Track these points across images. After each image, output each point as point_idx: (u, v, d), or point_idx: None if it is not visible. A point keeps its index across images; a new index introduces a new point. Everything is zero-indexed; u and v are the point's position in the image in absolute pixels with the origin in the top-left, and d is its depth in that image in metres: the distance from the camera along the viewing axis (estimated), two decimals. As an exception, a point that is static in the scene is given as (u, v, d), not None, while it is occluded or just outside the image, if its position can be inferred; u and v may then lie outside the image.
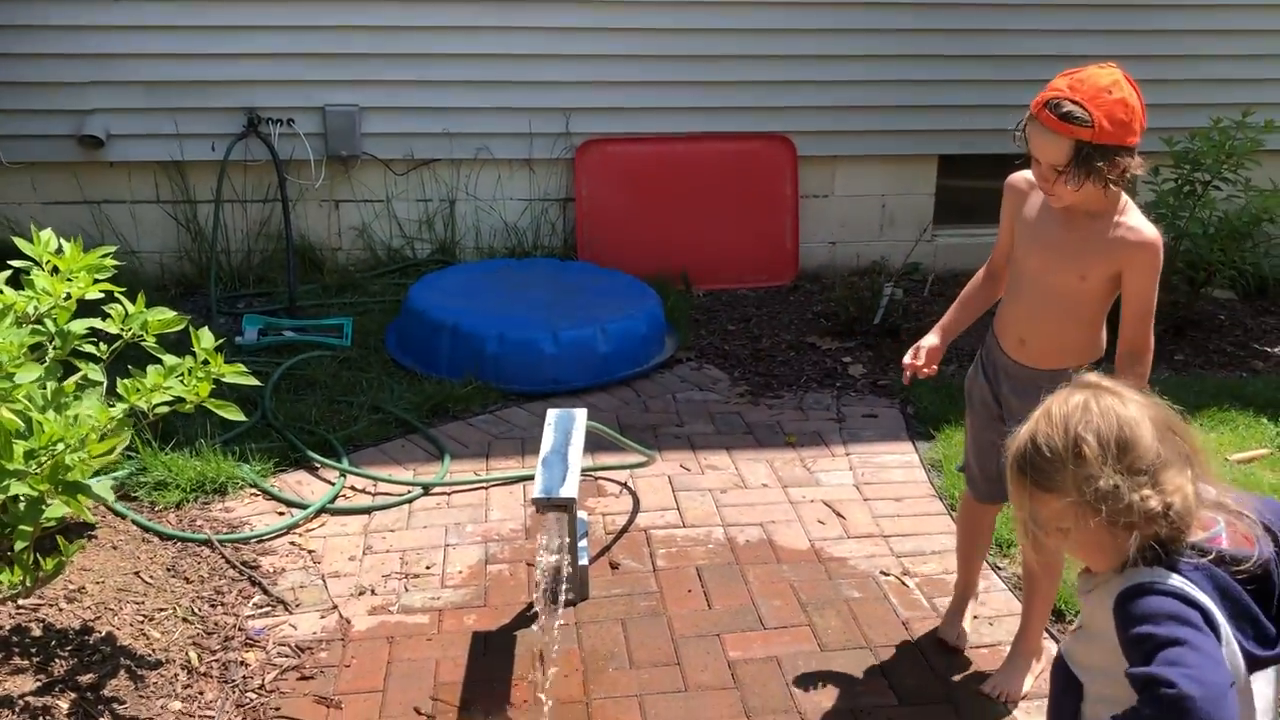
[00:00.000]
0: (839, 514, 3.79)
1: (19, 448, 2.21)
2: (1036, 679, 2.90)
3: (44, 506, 2.23)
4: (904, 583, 3.40)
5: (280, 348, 4.88)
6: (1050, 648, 2.97)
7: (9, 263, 2.72)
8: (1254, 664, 1.54)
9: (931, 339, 2.95)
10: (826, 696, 2.89)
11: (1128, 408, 1.57)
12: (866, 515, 3.79)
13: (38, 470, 2.17)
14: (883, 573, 3.45)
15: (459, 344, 4.71)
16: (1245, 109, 5.22)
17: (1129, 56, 5.87)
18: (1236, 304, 5.82)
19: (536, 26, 5.55)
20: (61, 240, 2.76)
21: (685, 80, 5.75)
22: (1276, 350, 5.33)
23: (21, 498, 2.24)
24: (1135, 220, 2.56)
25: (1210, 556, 1.53)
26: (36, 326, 2.46)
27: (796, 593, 3.34)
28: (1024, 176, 2.72)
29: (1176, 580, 1.52)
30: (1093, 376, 1.65)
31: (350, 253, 5.81)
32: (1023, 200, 2.75)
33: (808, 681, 2.94)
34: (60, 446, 2.21)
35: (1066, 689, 1.69)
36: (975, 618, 3.18)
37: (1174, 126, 5.39)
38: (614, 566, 3.50)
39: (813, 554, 3.55)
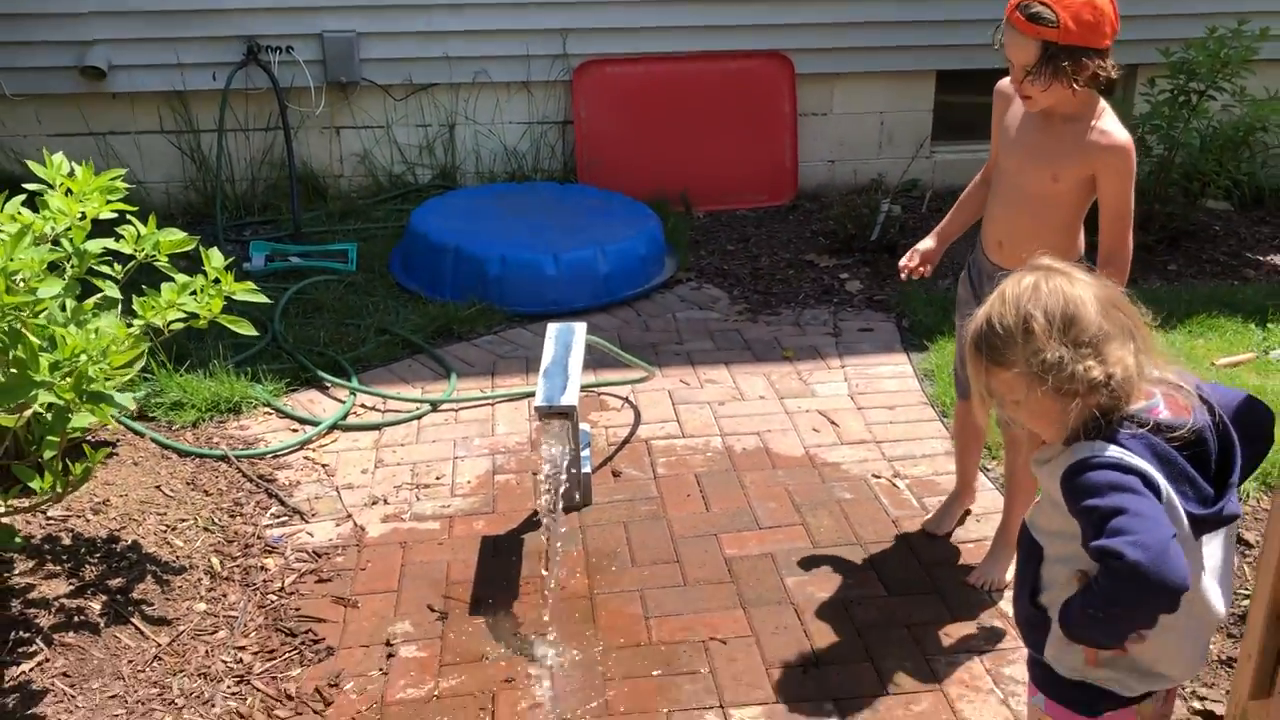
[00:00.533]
0: (833, 422, 3.91)
1: (45, 360, 2.32)
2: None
3: (69, 416, 2.35)
4: (895, 484, 3.53)
5: (287, 273, 4.97)
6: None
7: (23, 185, 2.81)
8: (1198, 525, 1.66)
9: (928, 242, 3.06)
10: (818, 588, 3.03)
11: (1074, 286, 1.68)
12: (860, 423, 3.91)
13: (63, 381, 2.28)
14: (874, 476, 3.58)
15: (462, 267, 4.80)
16: (1240, 17, 5.22)
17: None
18: (1232, 214, 5.87)
19: (532, -52, 5.56)
20: (73, 164, 2.85)
21: (682, -1, 5.76)
22: (1269, 259, 5.39)
23: (49, 408, 2.36)
24: (1108, 125, 2.63)
25: (1149, 426, 1.64)
26: (54, 246, 2.56)
27: (791, 495, 3.47)
28: (1009, 81, 2.79)
29: (1114, 450, 1.63)
30: (1045, 260, 1.74)
31: (352, 179, 5.88)
32: (1007, 105, 2.82)
33: (801, 575, 3.08)
34: (83, 358, 2.33)
35: (1030, 554, 1.82)
36: (968, 513, 3.31)
37: (1169, 37, 5.41)
38: (616, 475, 3.63)
39: (807, 460, 3.68)
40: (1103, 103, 2.65)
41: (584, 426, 3.69)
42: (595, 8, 5.72)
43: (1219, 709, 2.56)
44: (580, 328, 3.44)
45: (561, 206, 5.35)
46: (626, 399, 4.10)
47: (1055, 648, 1.78)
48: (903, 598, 3.00)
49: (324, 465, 3.69)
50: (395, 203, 5.76)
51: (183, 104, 5.64)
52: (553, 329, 3.43)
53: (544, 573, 3.09)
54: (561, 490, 3.05)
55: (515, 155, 5.95)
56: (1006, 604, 2.97)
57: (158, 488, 3.42)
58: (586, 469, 3.46)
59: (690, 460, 3.69)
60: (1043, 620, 1.78)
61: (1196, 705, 2.59)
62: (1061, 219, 2.75)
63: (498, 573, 3.14)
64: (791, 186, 6.08)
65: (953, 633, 2.86)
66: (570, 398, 3.06)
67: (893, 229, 5.39)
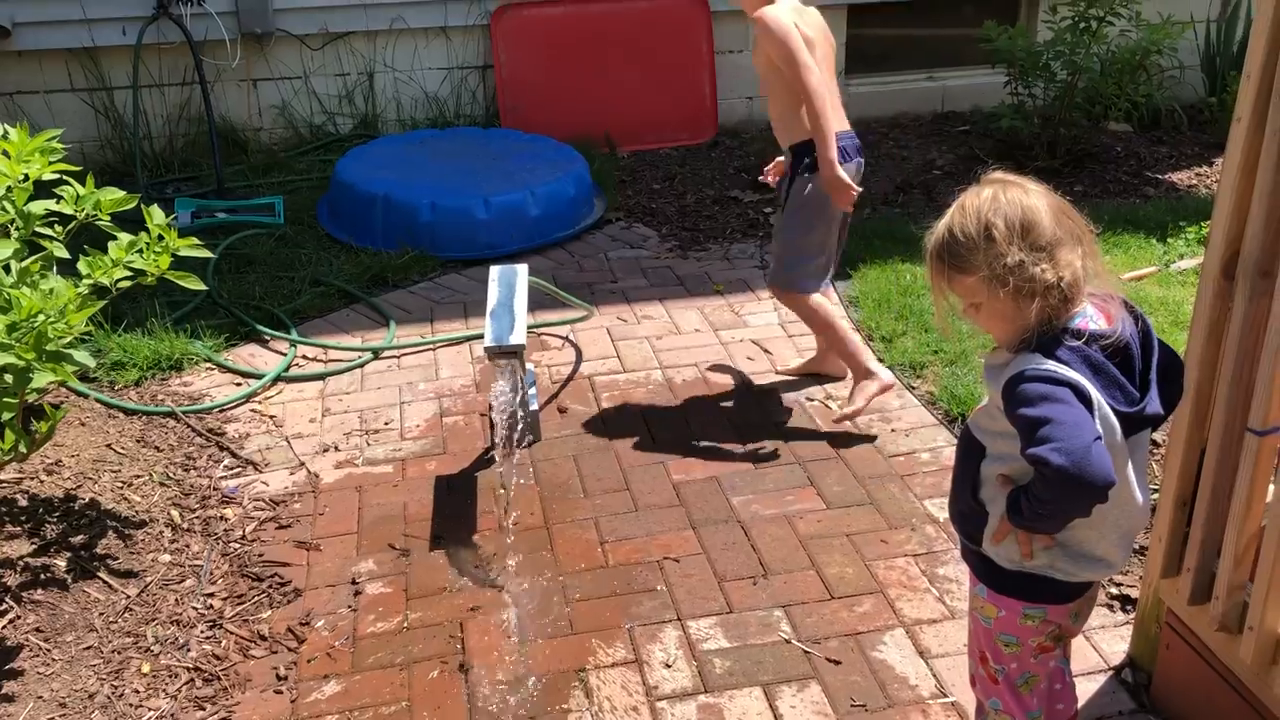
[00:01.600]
0: (766, 350, 4.06)
1: (1, 321, 2.35)
2: (870, 397, 3.51)
3: (30, 376, 2.38)
4: (827, 406, 3.70)
5: (214, 229, 4.95)
6: (882, 371, 3.58)
7: (-43, 150, 2.79)
8: (1127, 423, 1.83)
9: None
10: (762, 505, 3.20)
11: (1029, 196, 1.81)
12: (792, 350, 4.07)
13: (23, 342, 2.32)
14: (808, 399, 3.75)
15: (392, 214, 4.83)
16: (1136, -56, 5.43)
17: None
18: (1132, 135, 6.13)
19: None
20: (5, 126, 2.84)
21: (596, -60, 5.78)
22: (1167, 177, 5.66)
23: (9, 369, 2.39)
24: (766, 15, 3.30)
25: (1083, 339, 1.80)
26: (3, 206, 2.56)
27: (731, 421, 3.62)
28: None
29: (1050, 364, 1.78)
30: (998, 174, 1.89)
31: (272, 132, 5.83)
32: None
33: (744, 495, 3.25)
34: (41, 318, 2.36)
35: (969, 452, 1.98)
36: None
37: (1069, -35, 5.60)
38: (562, 411, 3.74)
39: (744, 387, 3.83)
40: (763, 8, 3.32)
41: (528, 366, 3.79)
42: (510, -50, 5.72)
43: (1134, 593, 2.79)
44: (522, 269, 3.53)
45: (487, 151, 5.39)
46: (567, 338, 4.20)
47: (991, 540, 1.95)
48: (841, 510, 3.18)
49: (271, 417, 3.74)
50: (318, 154, 5.73)
51: (93, 61, 5.53)
52: (495, 271, 3.52)
53: (503, 507, 3.20)
54: (515, 428, 3.16)
55: (436, 101, 5.95)
56: (937, 509, 3.17)
57: (109, 446, 3.45)
58: (534, 406, 3.57)
59: (633, 393, 3.82)
60: (981, 514, 1.95)
61: (1114, 591, 2.82)
62: (780, 96, 3.40)
63: (454, 510, 3.25)
64: (712, 124, 6.19)
65: (889, 540, 3.05)
66: (519, 337, 3.15)
67: (813, 162, 5.52)
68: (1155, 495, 2.43)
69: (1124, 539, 1.94)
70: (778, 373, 3.84)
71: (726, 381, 3.88)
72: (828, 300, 3.65)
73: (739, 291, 4.53)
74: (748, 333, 4.20)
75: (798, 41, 3.25)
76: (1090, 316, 1.84)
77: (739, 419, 3.64)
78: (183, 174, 5.60)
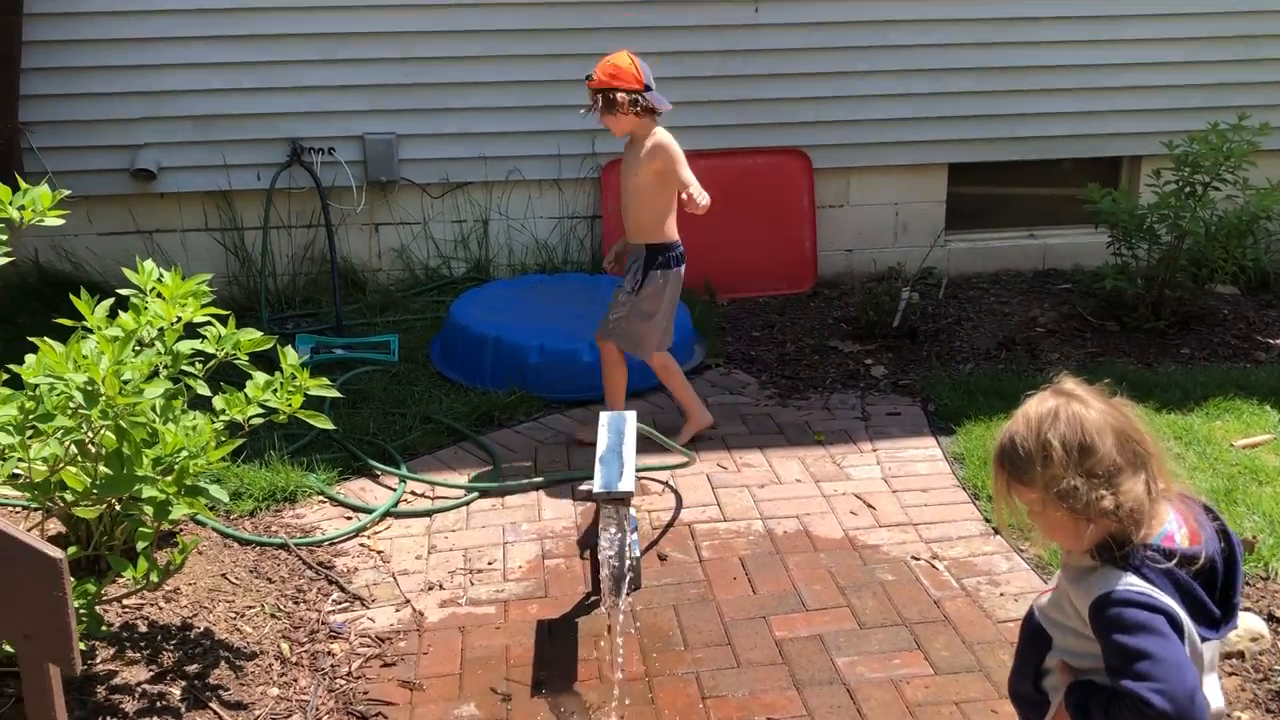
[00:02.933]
0: (870, 505, 4.05)
1: (147, 455, 2.48)
2: (696, 431, 4.53)
3: (170, 508, 2.50)
4: (934, 566, 3.65)
5: (331, 365, 5.15)
6: (706, 415, 4.55)
7: (118, 291, 3.00)
8: (1204, 641, 1.81)
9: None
10: (868, 668, 3.14)
11: (1091, 415, 1.81)
12: (895, 505, 4.04)
13: (166, 476, 2.44)
14: (914, 557, 3.71)
15: (502, 355, 4.98)
16: (1241, 112, 5.48)
17: (1124, 65, 6.18)
18: (1239, 298, 6.07)
19: (564, 54, 5.84)
20: (161, 270, 3.04)
21: (703, 100, 6.03)
22: (1278, 342, 5.57)
23: (150, 500, 2.50)
24: (660, 137, 4.24)
25: (1174, 560, 1.79)
26: (156, 346, 2.73)
27: (834, 577, 3.59)
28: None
29: (1142, 585, 1.77)
30: (1068, 383, 1.88)
31: (390, 273, 6.10)
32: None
33: (850, 655, 3.20)
34: (183, 454, 2.48)
35: (1035, 640, 1.96)
36: (917, 559, 3.44)
37: (1171, 130, 5.68)
38: (662, 558, 3.76)
39: (847, 542, 3.81)
40: (656, 128, 4.25)
41: (631, 511, 3.82)
42: (623, 108, 5.99)
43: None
44: (631, 415, 3.60)
45: (593, 296, 5.54)
46: (667, 483, 4.24)
47: None
48: (949, 676, 3.11)
49: (379, 552, 3.82)
50: (432, 294, 5.96)
51: (227, 203, 5.89)
52: (605, 416, 3.59)
53: (605, 657, 3.20)
54: (620, 575, 3.18)
55: (545, 248, 6.18)
56: (1049, 681, 3.08)
57: (223, 575, 3.55)
58: (636, 553, 3.59)
59: (733, 543, 3.82)
60: (1043, 702, 1.93)
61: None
62: (652, 202, 4.31)
63: (556, 655, 3.25)
64: (811, 275, 6.30)
65: (999, 710, 2.97)
66: (628, 483, 3.20)
67: (913, 315, 5.59)
68: None
69: None
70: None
71: (829, 535, 3.86)
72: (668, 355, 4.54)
73: (841, 442, 4.54)
74: (850, 485, 4.19)
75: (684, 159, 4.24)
76: (1175, 530, 1.83)
77: (842, 575, 3.61)
78: (303, 310, 5.87)
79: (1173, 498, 1.85)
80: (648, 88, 4.18)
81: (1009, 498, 1.88)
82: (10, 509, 3.78)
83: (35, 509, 3.00)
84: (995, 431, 4.46)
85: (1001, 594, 3.48)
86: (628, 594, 3.49)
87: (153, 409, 2.78)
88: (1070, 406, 1.82)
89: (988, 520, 3.89)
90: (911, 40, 6.07)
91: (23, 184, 2.79)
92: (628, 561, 3.25)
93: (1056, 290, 6.25)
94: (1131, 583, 1.76)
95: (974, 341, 5.54)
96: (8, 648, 2.76)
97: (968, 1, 6.06)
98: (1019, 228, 6.66)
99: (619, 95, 4.14)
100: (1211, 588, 1.81)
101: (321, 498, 4.12)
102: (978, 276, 6.44)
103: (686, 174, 4.23)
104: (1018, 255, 6.55)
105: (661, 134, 4.25)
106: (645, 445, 4.24)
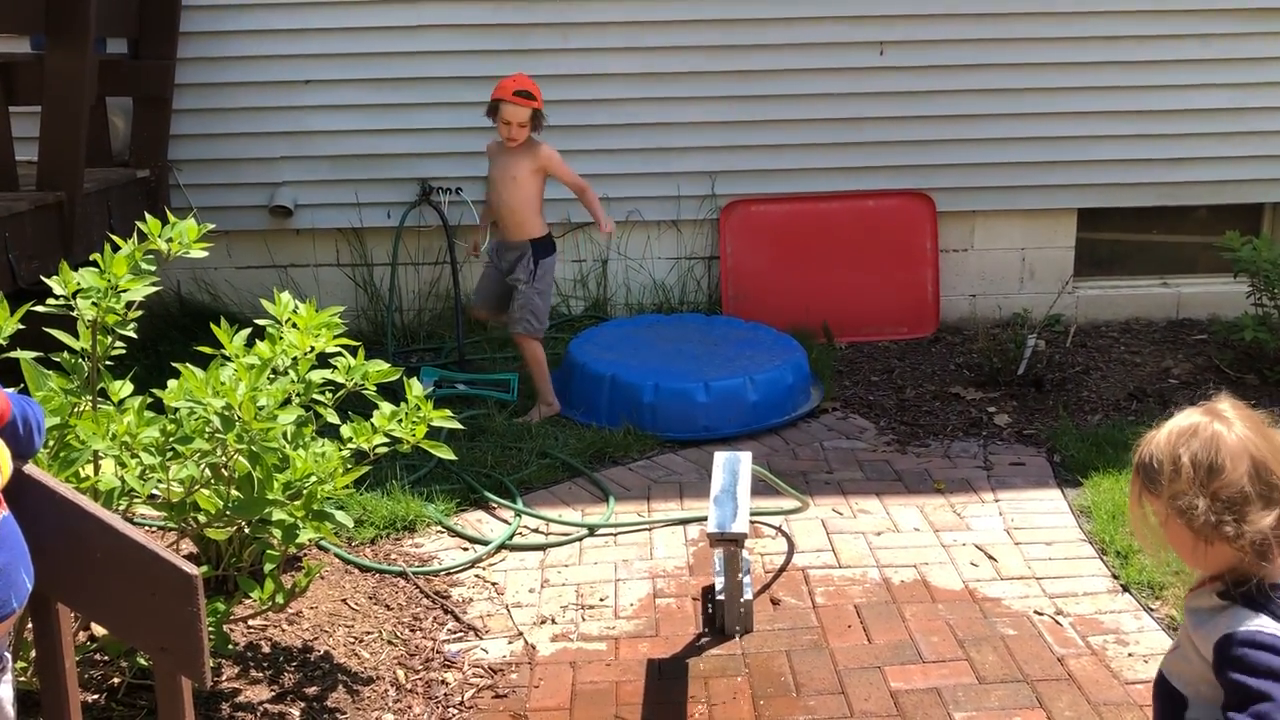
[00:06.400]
0: (991, 556, 3.93)
1: (278, 480, 2.56)
2: (542, 417, 5.06)
3: (298, 532, 2.58)
4: (1058, 622, 3.52)
5: (453, 398, 5.26)
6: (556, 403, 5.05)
7: (255, 321, 3.12)
8: None
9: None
10: (987, 725, 3.04)
11: (1232, 438, 1.76)
12: (1018, 558, 3.92)
13: (295, 501, 2.52)
14: (1036, 612, 3.58)
15: (617, 394, 5.02)
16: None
17: (1267, 109, 5.94)
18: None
19: (684, 97, 5.91)
20: (297, 302, 3.16)
21: (826, 142, 6.02)
22: None
23: (279, 524, 2.59)
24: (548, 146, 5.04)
25: None
26: (290, 374, 2.84)
27: (953, 630, 3.50)
28: (494, 140, 5.07)
29: (1273, 628, 1.72)
30: (1225, 401, 1.84)
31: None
32: (496, 152, 5.09)
33: (969, 711, 3.10)
34: (312, 479, 2.56)
35: (1168, 700, 1.90)
36: (1060, 613, 3.29)
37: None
38: (775, 603, 3.71)
39: (967, 594, 3.70)
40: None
41: (743, 554, 3.79)
42: (743, 151, 6.03)
43: None
44: (746, 457, 3.59)
45: (710, 337, 5.56)
46: (779, 528, 4.19)
47: None
48: (1074, 738, 2.99)
49: (493, 583, 3.86)
50: (550, 332, 6.04)
51: (359, 239, 6.09)
52: (720, 457, 3.59)
53: (712, 701, 3.17)
54: (731, 615, 3.15)
55: (663, 288, 6.22)
56: None
57: (344, 601, 3.64)
58: (748, 595, 3.56)
59: (848, 591, 3.75)
60: None
61: None
62: (529, 199, 5.05)
63: (664, 696, 3.23)
64: (933, 320, 6.19)
65: (1128, 776, 2.84)
66: (741, 525, 3.19)
67: (1039, 364, 5.44)
68: None
69: None
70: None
71: (948, 586, 3.76)
72: None
73: (961, 491, 4.43)
74: (970, 536, 4.08)
75: None
76: None
77: (961, 627, 3.51)
78: (427, 344, 6.01)
79: None
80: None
81: (1140, 506, 1.88)
82: (147, 529, 3.95)
83: (170, 529, 3.13)
84: (1124, 486, 4.31)
85: (1130, 654, 3.33)
86: (739, 636, 3.46)
87: (284, 435, 2.88)
88: (1213, 426, 1.79)
89: (1116, 577, 3.74)
90: (1038, 83, 5.96)
91: (171, 217, 2.93)
92: (740, 603, 3.22)
93: (1191, 341, 6.01)
94: (1262, 624, 1.72)
95: (1103, 392, 5.36)
96: (143, 660, 2.88)
97: (1099, 46, 5.93)
98: (1152, 275, 6.44)
99: (541, 114, 4.94)
100: None
101: (439, 528, 4.20)
102: (1107, 325, 6.24)
103: (567, 170, 5.08)
104: (1150, 304, 6.33)
105: (538, 139, 5.01)
106: (761, 488, 4.22)
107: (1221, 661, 1.73)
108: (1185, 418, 1.83)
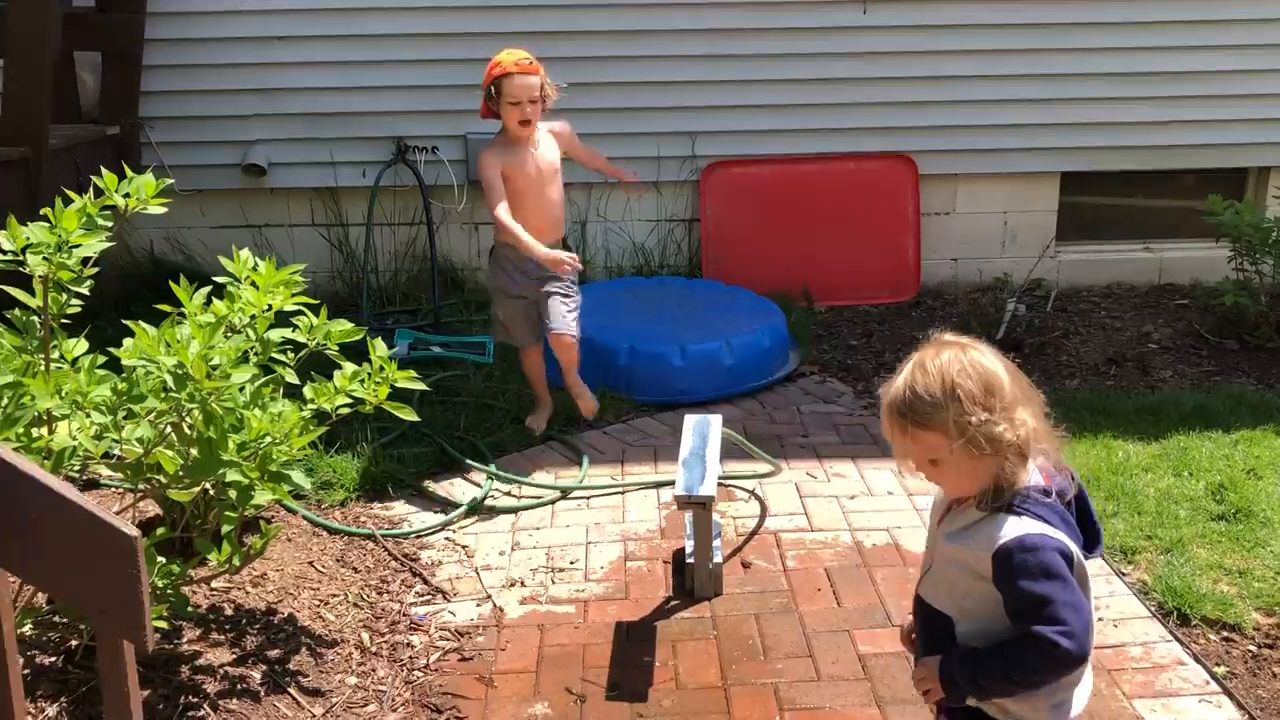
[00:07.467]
0: (963, 520, 3.91)
1: (232, 440, 2.51)
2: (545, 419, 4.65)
3: (252, 493, 2.53)
4: (1029, 586, 3.50)
5: (427, 361, 5.20)
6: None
7: (214, 279, 3.06)
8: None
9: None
10: (954, 689, 3.02)
11: (987, 359, 1.92)
12: (991, 522, 3.90)
13: (249, 460, 2.47)
14: (1008, 576, 3.56)
15: (592, 357, 4.96)
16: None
17: (1252, 71, 5.88)
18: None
19: (663, 55, 5.81)
20: (256, 259, 3.10)
21: (807, 103, 5.94)
22: None
23: (234, 485, 2.54)
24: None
25: (1052, 498, 1.89)
26: (245, 333, 2.78)
27: (923, 593, 3.47)
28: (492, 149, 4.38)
29: (1038, 527, 1.85)
30: (950, 336, 1.96)
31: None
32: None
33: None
34: (267, 440, 2.51)
35: (932, 622, 2.00)
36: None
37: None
38: (745, 566, 3.68)
39: (938, 558, 3.68)
40: None
41: (714, 516, 3.76)
42: (724, 112, 5.95)
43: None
44: (716, 420, 3.55)
45: (688, 300, 5.50)
46: (753, 491, 4.16)
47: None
48: (1041, 701, 2.97)
49: (464, 546, 3.83)
50: (527, 294, 5.98)
51: (333, 199, 6.00)
52: (690, 420, 3.54)
53: (678, 664, 3.14)
54: (697, 578, 3.12)
55: (643, 251, 6.16)
56: (1147, 710, 2.92)
57: (310, 563, 3.60)
58: (718, 558, 3.53)
59: (820, 554, 3.73)
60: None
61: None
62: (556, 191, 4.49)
63: (633, 659, 3.21)
64: (914, 283, 6.14)
65: (1093, 739, 2.83)
66: (709, 488, 3.15)
67: (1019, 328, 5.40)
68: None
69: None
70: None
71: (920, 549, 3.73)
72: None
73: (936, 456, 4.40)
74: (944, 500, 4.05)
75: None
76: (1037, 475, 1.91)
77: (931, 591, 3.48)
78: (403, 306, 5.95)
79: (1041, 450, 1.95)
80: None
81: (906, 449, 1.95)
82: (112, 490, 3.90)
83: (131, 490, 3.08)
84: (1100, 450, 4.29)
85: (1100, 619, 3.31)
86: (708, 599, 3.44)
87: (244, 395, 2.82)
88: (966, 353, 1.91)
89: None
90: (1024, 44, 5.88)
91: (129, 172, 2.86)
92: (708, 566, 3.19)
93: (1172, 306, 5.98)
94: (1029, 527, 1.85)
95: (1082, 356, 5.33)
96: (97, 623, 2.84)
97: (1083, 5, 5.85)
98: (1134, 240, 6.40)
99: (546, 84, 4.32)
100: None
101: (410, 490, 4.15)
102: (1089, 290, 6.21)
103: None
104: (1132, 269, 6.29)
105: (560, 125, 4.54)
106: (735, 451, 4.18)
107: (1001, 571, 1.85)
108: (933, 353, 1.91)
